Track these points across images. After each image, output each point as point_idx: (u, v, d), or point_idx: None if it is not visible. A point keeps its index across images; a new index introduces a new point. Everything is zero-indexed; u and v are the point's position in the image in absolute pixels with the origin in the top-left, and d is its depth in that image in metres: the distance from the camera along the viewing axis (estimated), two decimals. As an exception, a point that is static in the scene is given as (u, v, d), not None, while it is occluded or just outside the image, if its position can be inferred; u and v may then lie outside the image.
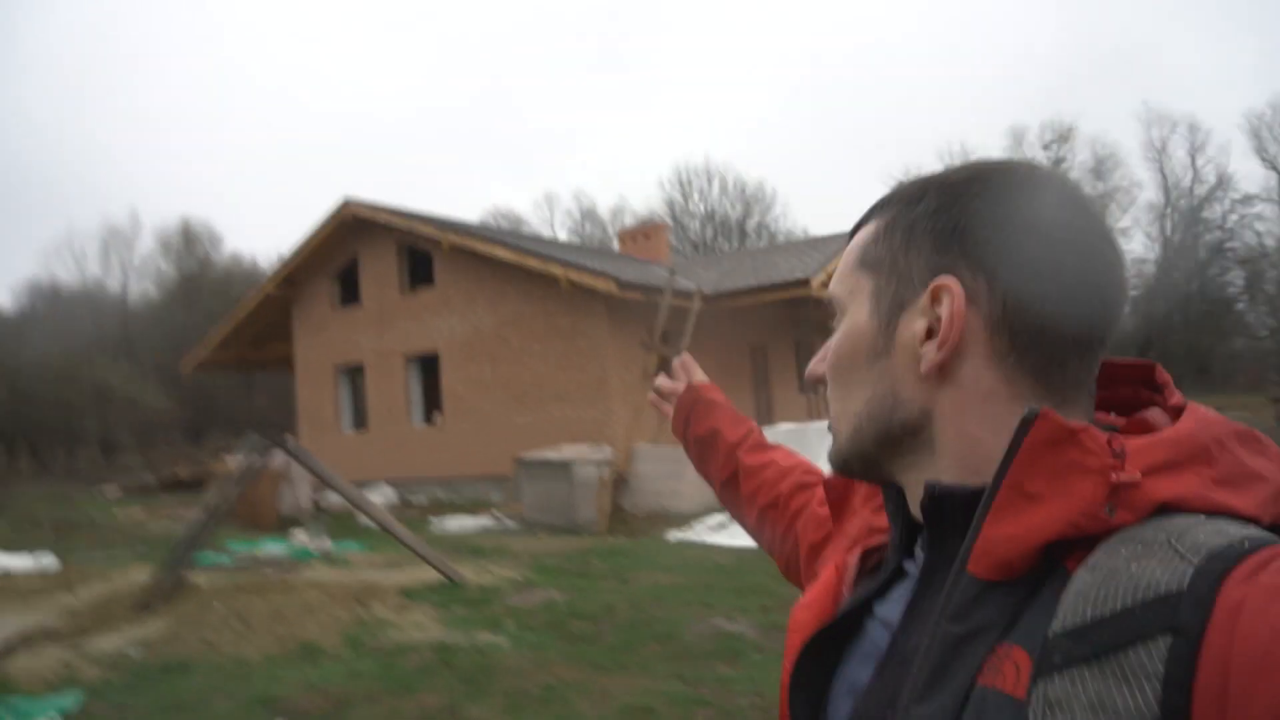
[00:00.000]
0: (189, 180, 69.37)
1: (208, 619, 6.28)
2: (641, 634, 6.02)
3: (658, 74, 77.90)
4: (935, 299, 0.64)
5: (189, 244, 42.30)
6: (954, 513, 0.62)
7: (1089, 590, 0.52)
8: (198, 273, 41.13)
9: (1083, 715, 0.48)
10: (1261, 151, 38.55)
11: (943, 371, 0.64)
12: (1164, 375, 0.68)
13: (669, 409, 1.36)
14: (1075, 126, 40.51)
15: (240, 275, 40.43)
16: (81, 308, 36.37)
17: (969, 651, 0.55)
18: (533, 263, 13.94)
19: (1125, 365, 0.70)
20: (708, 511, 11.33)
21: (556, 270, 13.58)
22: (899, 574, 0.71)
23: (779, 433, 10.40)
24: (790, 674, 0.72)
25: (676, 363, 1.40)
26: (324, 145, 79.89)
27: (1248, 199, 38.99)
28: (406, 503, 15.32)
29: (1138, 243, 40.80)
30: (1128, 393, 0.69)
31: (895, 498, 0.73)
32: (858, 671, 0.68)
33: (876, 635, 0.68)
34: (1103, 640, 0.49)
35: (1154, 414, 0.64)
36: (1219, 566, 0.49)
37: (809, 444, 9.87)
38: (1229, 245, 39.61)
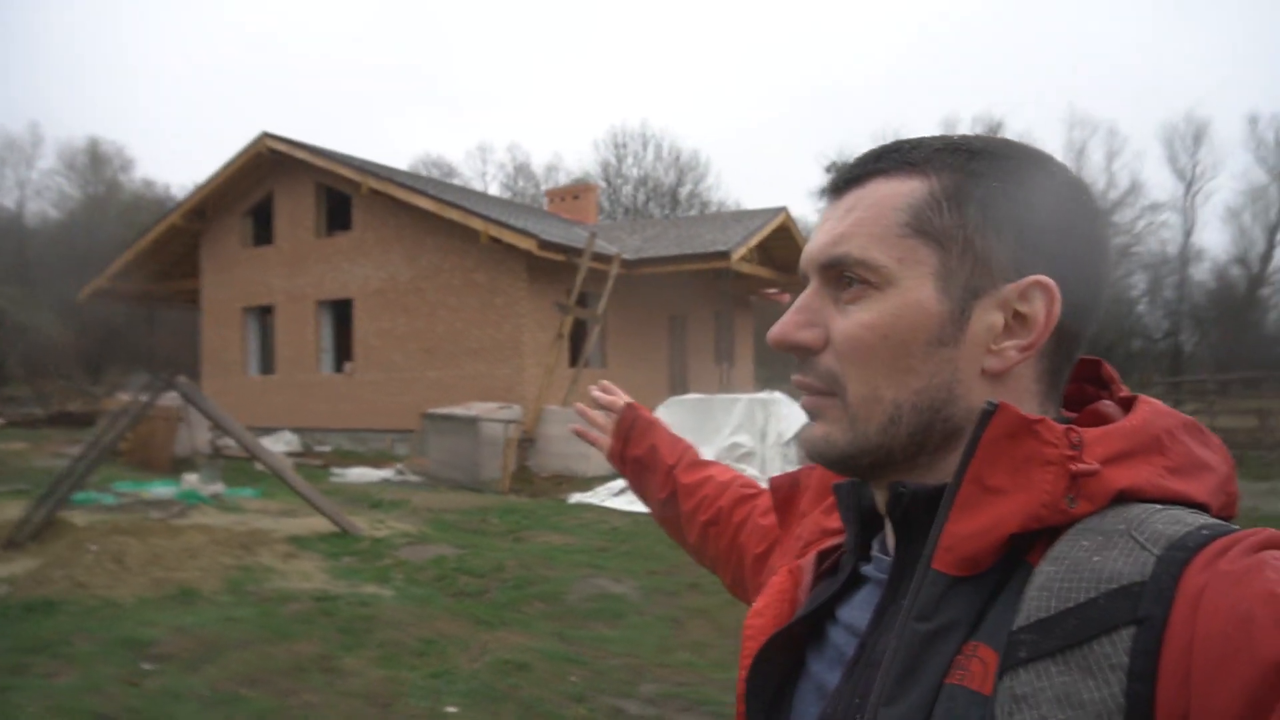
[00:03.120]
0: (100, 98, 65.56)
1: (80, 559, 6.09)
2: (527, 592, 6.11)
3: (598, 31, 76.79)
4: (1024, 295, 0.61)
5: (96, 165, 40.12)
6: (918, 511, 0.61)
7: (1052, 583, 0.52)
8: (104, 196, 39.07)
9: (1049, 709, 0.48)
10: (1173, 161, 40.39)
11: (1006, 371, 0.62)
12: (1110, 370, 0.68)
13: (596, 435, 1.32)
14: (1004, 122, 41.62)
15: (152, 202, 38.54)
16: (-29, 225, 34.16)
17: (937, 650, 0.54)
18: (454, 214, 13.71)
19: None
20: (612, 476, 11.46)
21: (478, 224, 13.38)
22: (858, 577, 0.69)
23: (685, 402, 10.56)
24: (746, 680, 0.69)
25: (595, 389, 1.35)
26: (253, 80, 76.38)
27: (1156, 206, 40.90)
28: (310, 451, 15.03)
29: (1050, 240, 42.29)
30: (1074, 389, 0.69)
31: (849, 497, 0.70)
32: (825, 674, 0.66)
33: (840, 640, 0.66)
34: (1067, 633, 0.49)
35: (1106, 405, 0.64)
36: (1180, 556, 0.49)
37: (712, 414, 10.06)
38: (1135, 250, 41.51)
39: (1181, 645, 0.46)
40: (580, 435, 1.34)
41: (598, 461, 11.79)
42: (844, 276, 0.63)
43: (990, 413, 0.56)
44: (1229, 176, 67.25)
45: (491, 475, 11.14)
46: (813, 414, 0.66)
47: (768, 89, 72.40)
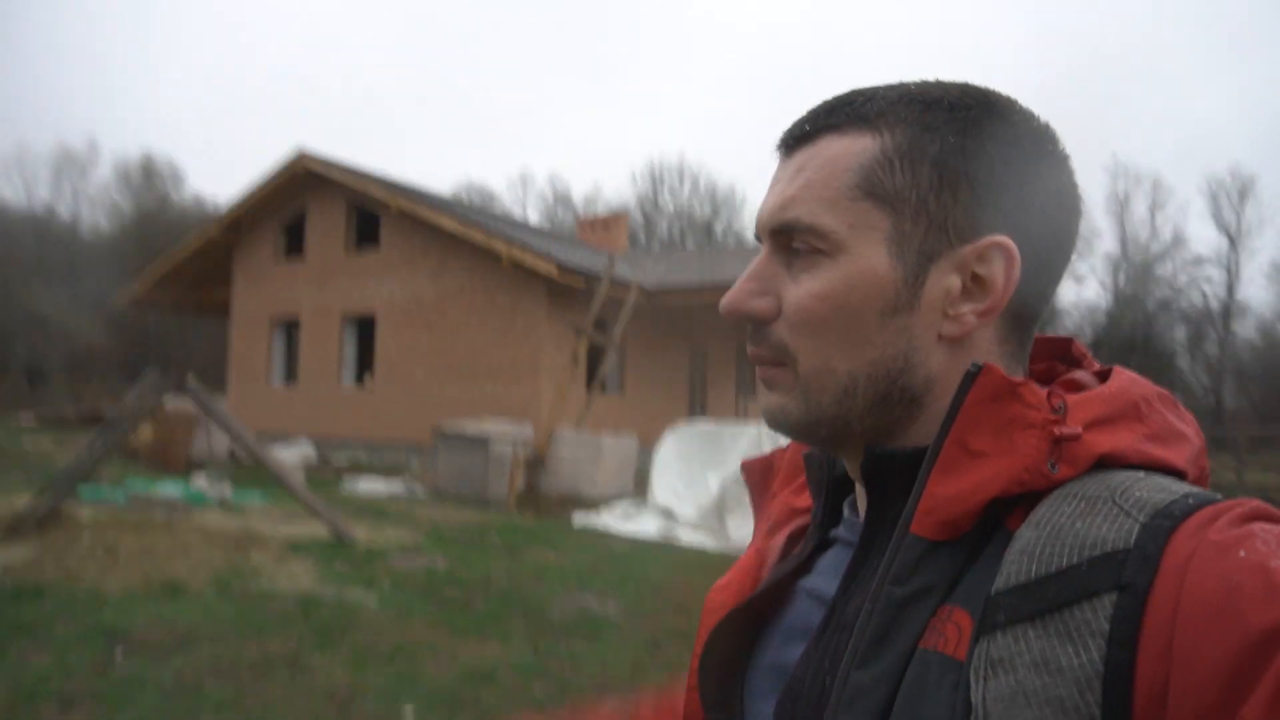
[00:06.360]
0: (155, 113, 67.80)
1: (75, 549, 6.21)
2: (510, 606, 6.09)
3: (639, 69, 77.94)
4: (982, 257, 0.59)
5: (149, 179, 41.37)
6: (894, 474, 0.59)
7: (1033, 547, 0.50)
8: (155, 210, 40.21)
9: (1026, 674, 0.47)
10: (1217, 216, 39.78)
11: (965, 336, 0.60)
12: (1081, 348, 0.67)
13: None
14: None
15: (200, 218, 39.61)
16: (26, 231, 35.36)
17: (912, 615, 0.53)
18: (477, 236, 13.91)
19: (1044, 340, 0.67)
20: (619, 498, 11.44)
21: (500, 247, 13.56)
22: (823, 546, 0.68)
23: (694, 430, 10.53)
24: (700, 655, 0.68)
25: None
26: (304, 99, 78.59)
27: (1199, 261, 40.22)
28: (326, 461, 15.19)
29: (1091, 290, 41.84)
30: (1044, 367, 0.67)
31: (819, 469, 0.70)
32: (781, 650, 0.65)
33: (803, 608, 0.65)
34: (1047, 598, 0.48)
35: (1081, 375, 0.62)
36: (1165, 524, 0.48)
37: (721, 443, 10.01)
38: (1177, 303, 40.80)
39: (1165, 613, 0.45)
40: None
41: (604, 484, 11.77)
42: (793, 244, 0.61)
43: (974, 374, 0.54)
44: (1277, 233, 65.83)
45: (499, 493, 11.16)
46: (768, 384, 0.64)
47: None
